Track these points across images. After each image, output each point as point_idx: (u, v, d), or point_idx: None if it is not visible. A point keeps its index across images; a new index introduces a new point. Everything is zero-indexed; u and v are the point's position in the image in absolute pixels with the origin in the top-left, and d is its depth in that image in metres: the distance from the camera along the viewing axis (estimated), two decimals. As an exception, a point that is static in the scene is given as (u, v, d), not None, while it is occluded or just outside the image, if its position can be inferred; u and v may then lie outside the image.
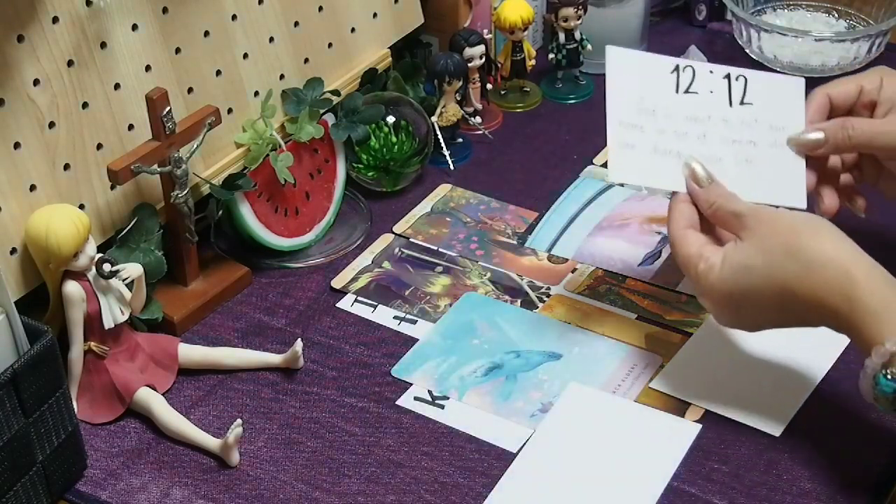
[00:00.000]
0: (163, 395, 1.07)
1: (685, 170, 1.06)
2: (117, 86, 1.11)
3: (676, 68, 1.12)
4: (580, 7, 1.40)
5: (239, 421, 1.01)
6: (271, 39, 1.24)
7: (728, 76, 1.13)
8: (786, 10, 1.53)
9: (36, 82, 1.05)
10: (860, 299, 0.93)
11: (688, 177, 1.05)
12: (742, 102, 1.12)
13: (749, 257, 0.98)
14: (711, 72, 1.13)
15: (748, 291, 0.98)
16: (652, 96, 1.12)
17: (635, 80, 1.12)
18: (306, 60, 1.28)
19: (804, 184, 1.12)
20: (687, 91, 1.12)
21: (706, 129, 1.11)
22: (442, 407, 1.07)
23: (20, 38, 1.03)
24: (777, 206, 1.08)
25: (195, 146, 1.13)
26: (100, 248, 1.08)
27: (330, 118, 1.27)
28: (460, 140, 1.38)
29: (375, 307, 1.18)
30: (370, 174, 1.31)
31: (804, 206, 1.10)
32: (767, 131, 1.12)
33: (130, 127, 1.13)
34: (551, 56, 1.46)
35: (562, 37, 1.42)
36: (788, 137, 1.12)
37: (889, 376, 0.90)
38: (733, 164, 1.11)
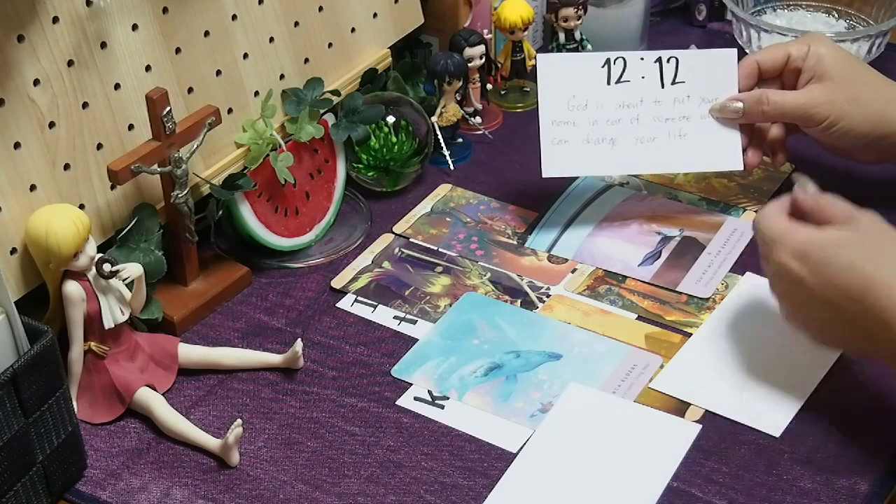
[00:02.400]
0: (163, 395, 1.07)
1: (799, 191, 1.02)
2: (117, 86, 1.11)
3: (607, 62, 1.22)
4: (580, 7, 1.40)
5: (239, 421, 1.01)
6: (271, 39, 1.24)
7: (659, 59, 1.22)
8: (786, 11, 1.53)
9: (36, 82, 1.05)
10: None
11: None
12: (674, 82, 1.22)
13: (847, 239, 0.95)
14: (642, 59, 1.22)
15: (828, 265, 0.93)
16: (583, 92, 1.22)
17: (566, 81, 1.22)
18: (306, 60, 1.28)
19: (739, 148, 1.22)
20: (619, 81, 1.22)
21: (638, 113, 1.22)
22: (442, 407, 1.07)
23: (20, 38, 1.03)
24: (714, 172, 1.25)
25: (195, 146, 1.13)
26: (100, 248, 1.08)
27: (330, 118, 1.27)
28: (460, 140, 1.38)
29: (375, 307, 1.18)
30: (370, 174, 1.31)
31: (741, 168, 1.22)
32: (699, 105, 1.22)
33: (130, 127, 1.13)
34: (551, 56, 1.46)
35: (562, 37, 1.42)
36: (710, 107, 1.21)
37: None
38: (667, 140, 1.22)
